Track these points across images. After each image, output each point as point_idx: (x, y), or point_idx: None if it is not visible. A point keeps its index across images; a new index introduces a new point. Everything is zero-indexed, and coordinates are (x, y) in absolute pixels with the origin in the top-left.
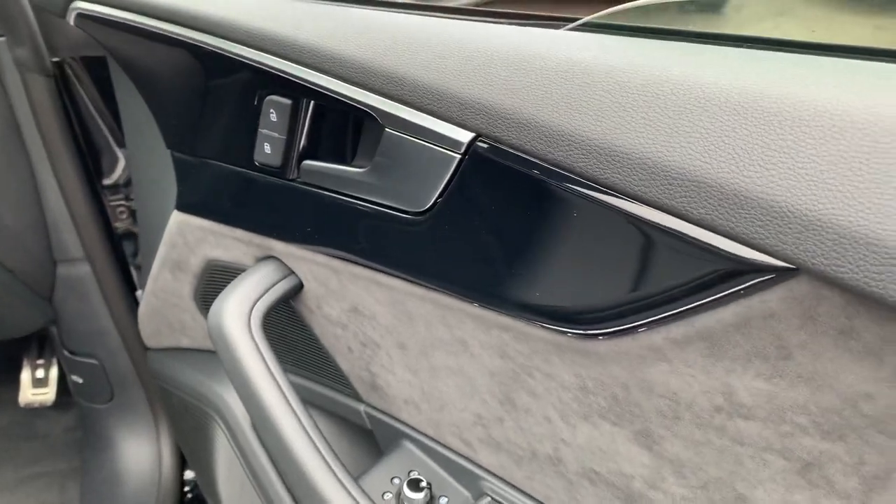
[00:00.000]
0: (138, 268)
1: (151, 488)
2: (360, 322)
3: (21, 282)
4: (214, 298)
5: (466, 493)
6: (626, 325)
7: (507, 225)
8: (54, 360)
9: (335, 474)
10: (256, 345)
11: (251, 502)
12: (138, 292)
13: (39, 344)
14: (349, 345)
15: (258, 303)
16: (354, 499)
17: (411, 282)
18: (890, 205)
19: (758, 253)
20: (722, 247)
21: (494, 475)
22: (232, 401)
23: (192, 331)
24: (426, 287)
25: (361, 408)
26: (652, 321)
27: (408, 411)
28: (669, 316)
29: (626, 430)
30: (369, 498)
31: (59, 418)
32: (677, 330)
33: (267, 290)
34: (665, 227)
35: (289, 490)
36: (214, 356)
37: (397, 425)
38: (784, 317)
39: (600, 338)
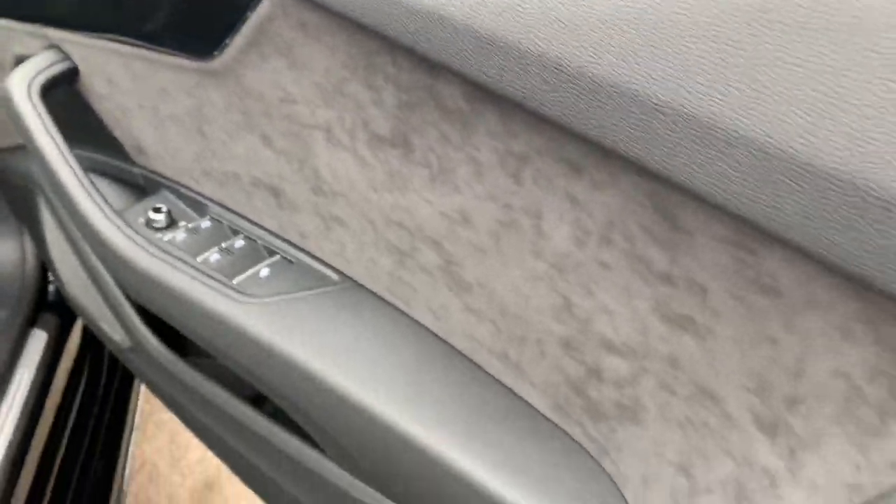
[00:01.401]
0: None
1: (15, 278)
2: (115, 91)
3: None
4: None
5: (196, 216)
6: (219, 44)
7: None
8: None
9: (101, 209)
10: (34, 106)
11: (72, 262)
12: None
13: None
14: (115, 115)
15: (37, 77)
16: (113, 223)
17: (126, 43)
18: None
19: None
20: None
21: (212, 200)
22: None
23: None
24: (132, 45)
25: (136, 170)
26: (230, 37)
27: (161, 164)
28: (235, 30)
29: (256, 136)
30: (124, 220)
31: None
32: (240, 41)
33: (45, 69)
34: None
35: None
36: None
37: (157, 178)
38: (277, 18)
39: (214, 59)
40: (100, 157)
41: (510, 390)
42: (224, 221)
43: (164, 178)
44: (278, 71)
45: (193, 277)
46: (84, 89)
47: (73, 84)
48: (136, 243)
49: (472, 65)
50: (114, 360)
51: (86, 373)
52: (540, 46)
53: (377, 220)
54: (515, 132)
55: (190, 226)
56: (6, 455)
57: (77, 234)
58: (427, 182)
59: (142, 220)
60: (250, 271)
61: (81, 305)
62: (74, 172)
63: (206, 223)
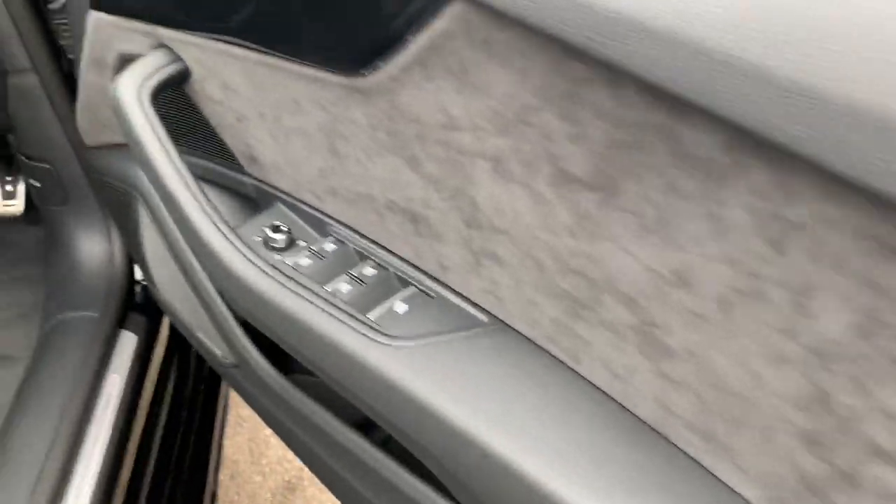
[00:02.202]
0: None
1: (104, 276)
2: (232, 98)
3: None
4: None
5: (318, 236)
6: (375, 60)
7: None
8: (21, 176)
9: (216, 224)
10: (145, 112)
11: (172, 270)
12: None
13: (7, 161)
14: (229, 121)
15: (148, 80)
16: (229, 240)
17: (254, 49)
18: None
19: None
20: None
21: (335, 220)
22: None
23: (118, 125)
24: (262, 52)
25: (246, 180)
26: (389, 54)
27: (276, 176)
28: (397, 48)
29: (402, 158)
30: (241, 238)
31: (31, 230)
32: (402, 59)
33: (157, 71)
34: None
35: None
36: None
37: (271, 190)
38: (456, 35)
39: (365, 76)
40: (205, 163)
41: (708, 471)
42: (350, 244)
43: (279, 191)
44: (443, 93)
45: (324, 310)
46: (193, 92)
47: (182, 86)
48: (256, 266)
49: (745, 109)
50: (200, 359)
51: (174, 373)
52: (854, 92)
53: (548, 263)
54: (795, 195)
55: (313, 248)
56: (103, 467)
57: (180, 244)
58: (634, 233)
59: (258, 238)
60: (385, 305)
61: (177, 314)
62: (187, 184)
63: (329, 245)
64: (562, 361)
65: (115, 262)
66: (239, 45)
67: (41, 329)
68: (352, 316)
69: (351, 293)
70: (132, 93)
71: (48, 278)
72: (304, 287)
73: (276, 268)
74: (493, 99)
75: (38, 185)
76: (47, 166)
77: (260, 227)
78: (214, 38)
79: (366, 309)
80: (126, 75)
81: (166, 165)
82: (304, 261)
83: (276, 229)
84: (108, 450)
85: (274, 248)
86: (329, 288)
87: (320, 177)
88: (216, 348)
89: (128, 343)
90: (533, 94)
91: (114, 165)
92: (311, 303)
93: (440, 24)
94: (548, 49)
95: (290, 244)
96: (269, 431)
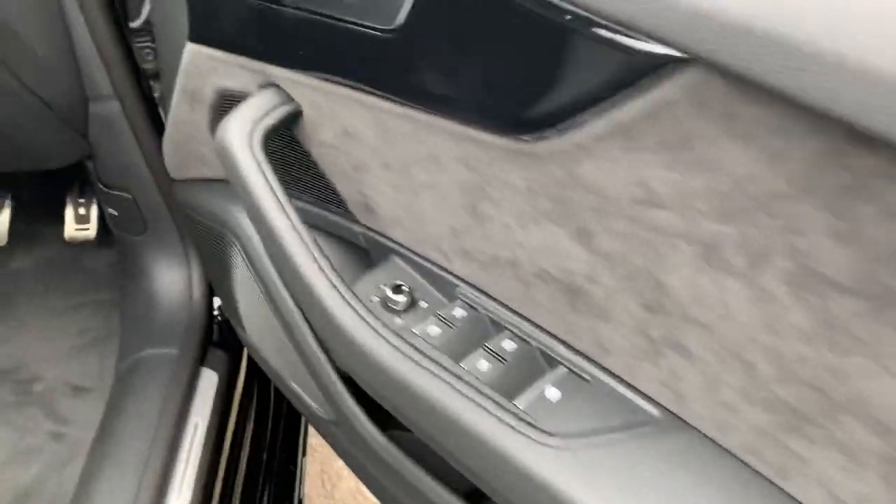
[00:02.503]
0: (166, 110)
1: (183, 311)
2: (351, 145)
3: (56, 115)
4: None
5: (443, 298)
6: (556, 125)
7: (464, 38)
8: (94, 200)
9: (330, 280)
10: (257, 159)
11: (264, 311)
12: None
13: (81, 184)
14: (344, 168)
15: (259, 123)
16: (345, 299)
17: (389, 99)
18: None
19: (657, 44)
20: (626, 42)
21: (465, 282)
22: (245, 221)
23: (211, 161)
24: (401, 104)
25: (357, 229)
26: (577, 120)
27: (395, 229)
28: (590, 113)
29: (566, 229)
30: (358, 298)
31: (102, 254)
32: (598, 126)
33: (267, 114)
34: (579, 29)
35: (297, 302)
36: (230, 184)
37: (387, 243)
38: (682, 105)
39: (536, 140)
40: (308, 207)
41: None
42: (483, 311)
43: (397, 244)
44: (648, 166)
45: (464, 394)
46: (303, 135)
47: (290, 127)
48: (379, 334)
49: None
50: (279, 395)
51: (253, 412)
52: None
53: (763, 367)
54: None
55: (441, 314)
56: None
57: (281, 294)
58: None
59: (376, 297)
60: (534, 389)
61: (269, 361)
62: (301, 236)
63: (458, 310)
64: (759, 473)
65: (195, 296)
66: (369, 93)
67: (118, 364)
68: (499, 405)
69: (491, 372)
70: (242, 137)
71: (124, 311)
72: (437, 364)
73: (401, 336)
74: (723, 179)
75: (115, 213)
76: (126, 195)
77: (377, 284)
78: (338, 83)
79: (512, 393)
80: (235, 117)
81: (278, 216)
82: (433, 329)
83: (396, 289)
84: (194, 494)
85: (394, 311)
86: (465, 365)
87: (452, 236)
88: (312, 401)
89: (209, 382)
90: (788, 181)
91: (202, 201)
92: (447, 383)
93: (663, 91)
94: (823, 132)
95: (411, 305)
96: (340, 463)
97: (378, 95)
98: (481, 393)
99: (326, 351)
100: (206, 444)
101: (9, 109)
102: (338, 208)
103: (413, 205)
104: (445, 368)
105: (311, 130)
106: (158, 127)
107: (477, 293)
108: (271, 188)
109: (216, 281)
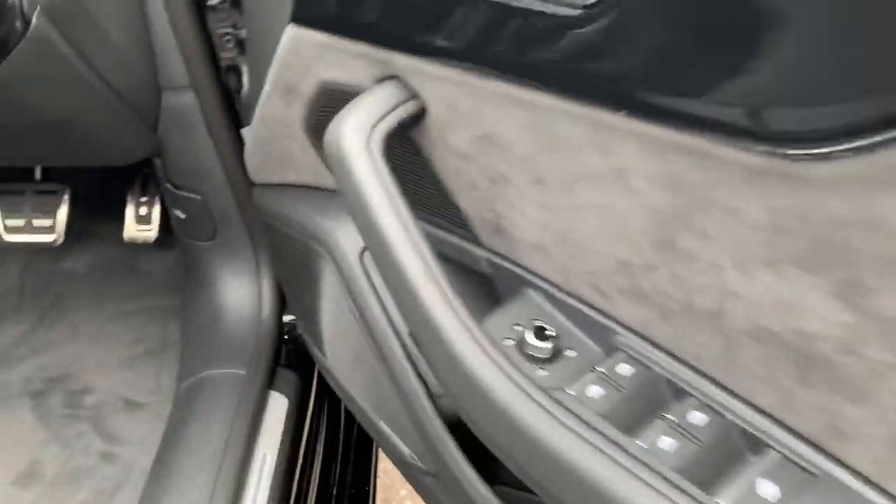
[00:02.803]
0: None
1: (252, 327)
2: (489, 153)
3: (128, 107)
4: (326, 128)
5: (597, 347)
6: (855, 139)
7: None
8: (157, 199)
9: (458, 315)
10: (377, 169)
11: (354, 339)
12: (244, 130)
13: (143, 182)
14: (474, 181)
15: (379, 124)
16: (476, 341)
17: (565, 97)
18: None
19: None
20: None
21: (632, 331)
22: (341, 235)
23: (301, 164)
24: (583, 103)
25: (480, 253)
26: (891, 134)
27: (534, 257)
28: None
29: (824, 280)
30: (497, 346)
31: (162, 256)
32: None
33: (388, 113)
34: None
35: (394, 329)
36: (323, 192)
37: (520, 272)
38: None
39: (812, 158)
40: (429, 230)
41: None
42: (658, 369)
43: (533, 274)
44: None
45: (647, 483)
46: (426, 139)
47: (412, 129)
48: (525, 391)
49: None
50: (350, 418)
51: (324, 437)
52: None
53: None
54: None
55: (602, 370)
56: None
57: (380, 322)
58: None
59: (510, 340)
60: (741, 482)
61: (354, 397)
62: (425, 261)
63: (623, 367)
64: None
65: (265, 311)
66: (535, 88)
67: (178, 384)
68: (696, 501)
69: (679, 454)
70: (360, 140)
71: (186, 323)
72: (606, 437)
73: (554, 399)
74: None
75: (182, 216)
76: (197, 197)
77: (510, 323)
78: (490, 75)
79: (711, 485)
80: (352, 115)
81: (400, 236)
82: (593, 389)
83: (539, 333)
84: None
85: (536, 359)
86: (643, 442)
87: (620, 272)
88: (405, 446)
89: (278, 407)
90: None
91: (287, 208)
92: (621, 465)
93: None
94: None
95: (556, 354)
96: (404, 492)
97: (548, 91)
98: (671, 483)
99: (431, 396)
100: (274, 478)
101: (78, 99)
102: (456, 227)
103: (568, 230)
104: (618, 445)
105: (438, 133)
106: (235, 124)
107: (649, 346)
108: (396, 207)
109: (292, 295)
